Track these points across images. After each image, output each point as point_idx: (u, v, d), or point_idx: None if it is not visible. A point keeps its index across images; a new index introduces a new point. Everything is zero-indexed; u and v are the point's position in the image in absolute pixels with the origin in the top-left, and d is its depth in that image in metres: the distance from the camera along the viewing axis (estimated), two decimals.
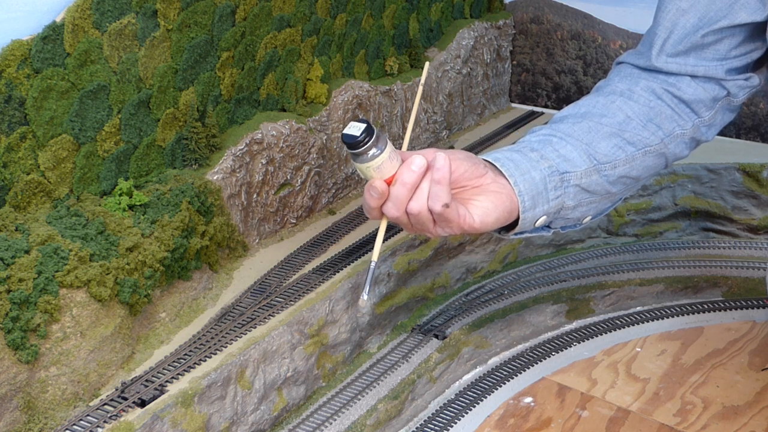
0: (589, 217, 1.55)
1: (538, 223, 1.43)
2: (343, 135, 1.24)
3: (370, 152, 1.23)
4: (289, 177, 2.68)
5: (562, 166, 1.43)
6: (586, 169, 1.46)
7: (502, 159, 1.39)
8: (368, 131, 1.22)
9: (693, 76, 1.61)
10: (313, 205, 2.84)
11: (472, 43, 3.70)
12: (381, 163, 1.24)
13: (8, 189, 1.93)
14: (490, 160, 1.39)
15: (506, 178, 1.36)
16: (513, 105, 4.15)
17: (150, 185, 2.24)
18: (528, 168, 1.39)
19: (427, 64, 1.36)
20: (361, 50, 3.12)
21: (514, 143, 1.51)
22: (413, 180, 1.24)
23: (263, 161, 2.56)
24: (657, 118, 1.57)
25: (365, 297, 1.33)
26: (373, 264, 1.32)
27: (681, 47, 1.60)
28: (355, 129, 1.23)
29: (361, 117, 1.25)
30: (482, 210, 1.32)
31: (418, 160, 1.24)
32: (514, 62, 4.08)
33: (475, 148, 3.53)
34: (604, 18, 3.78)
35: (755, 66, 1.65)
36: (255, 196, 2.56)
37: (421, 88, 1.36)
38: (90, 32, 2.03)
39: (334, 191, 2.95)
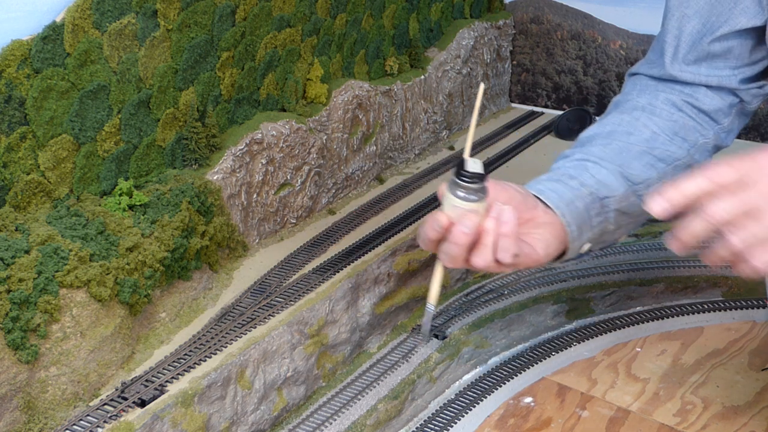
0: (624, 236, 1.59)
1: (583, 250, 1.45)
2: (463, 163, 1.20)
3: (475, 195, 1.20)
4: (289, 177, 2.68)
5: (601, 192, 1.46)
6: (623, 193, 1.49)
7: (546, 191, 1.41)
8: (485, 174, 1.20)
9: (708, 86, 1.63)
10: (313, 205, 2.84)
11: (472, 43, 3.70)
12: (470, 210, 1.21)
13: (8, 189, 1.93)
14: (534, 193, 1.40)
15: (552, 209, 1.38)
16: (513, 105, 4.15)
17: (150, 185, 2.24)
18: (572, 198, 1.41)
19: (482, 86, 1.30)
20: (361, 50, 3.12)
21: (549, 171, 1.53)
22: (463, 242, 1.21)
23: (263, 161, 2.56)
24: (682, 131, 1.60)
25: (425, 338, 1.34)
26: (431, 309, 1.31)
27: (691, 56, 1.62)
28: (478, 165, 1.20)
29: (470, 157, 1.22)
30: (544, 243, 1.33)
31: (469, 222, 1.20)
32: (514, 62, 4.08)
33: (475, 148, 3.54)
34: (604, 18, 3.78)
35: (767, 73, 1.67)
36: (255, 196, 2.56)
37: (476, 113, 1.28)
38: (90, 32, 2.03)
39: (334, 191, 2.95)
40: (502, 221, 1.22)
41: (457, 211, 1.21)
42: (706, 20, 1.57)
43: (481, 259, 1.23)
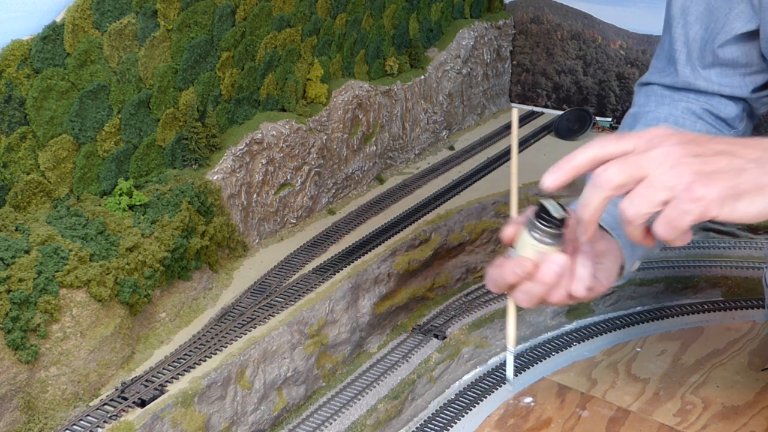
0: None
1: (633, 268, 1.47)
2: (546, 206, 1.21)
3: (555, 239, 1.22)
4: (289, 177, 2.68)
5: None
6: None
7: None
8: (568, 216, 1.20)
9: (721, 95, 1.64)
10: (313, 205, 2.84)
11: (472, 43, 3.70)
12: (547, 252, 1.22)
13: (8, 189, 1.93)
14: None
15: (608, 231, 1.39)
16: (513, 105, 4.15)
17: (150, 185, 2.24)
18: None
19: (515, 110, 1.32)
20: (361, 50, 3.12)
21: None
22: (552, 280, 1.23)
23: (263, 161, 2.56)
24: None
25: (510, 382, 1.37)
26: (510, 351, 1.34)
27: (704, 59, 1.64)
28: (560, 209, 1.21)
29: (547, 199, 1.24)
30: (607, 273, 1.35)
31: (559, 259, 1.22)
32: (514, 62, 4.08)
33: (475, 148, 3.54)
34: (604, 18, 3.78)
35: None
36: (255, 196, 2.56)
37: (515, 140, 1.31)
38: (90, 32, 2.03)
39: (334, 191, 2.95)
40: (579, 261, 1.25)
41: (539, 254, 1.23)
42: (707, 27, 1.59)
43: (558, 295, 1.25)
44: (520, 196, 3.03)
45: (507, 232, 1.26)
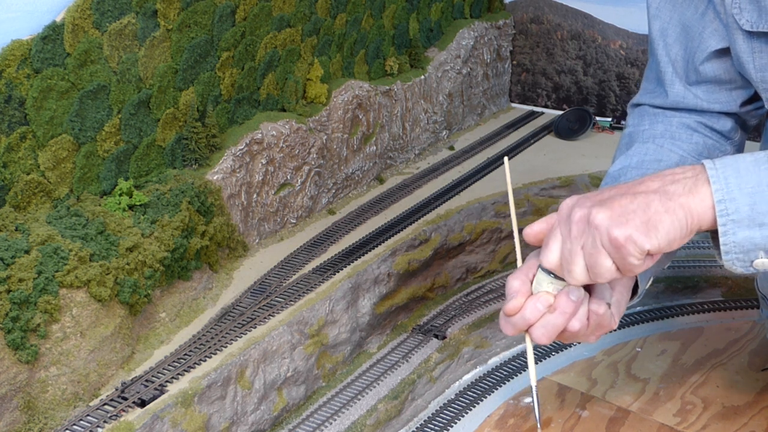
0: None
1: (647, 286, 1.50)
2: None
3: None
4: (289, 177, 2.68)
5: None
6: None
7: None
8: None
9: (712, 112, 1.66)
10: (313, 205, 2.84)
11: (472, 43, 3.70)
12: (561, 289, 1.30)
13: (8, 189, 1.93)
14: None
15: None
16: (513, 105, 4.15)
17: (150, 185, 2.24)
18: None
19: (506, 160, 1.40)
20: (361, 50, 3.12)
21: None
22: (572, 309, 1.29)
23: (263, 161, 2.56)
24: (705, 151, 1.65)
25: (539, 425, 1.43)
26: (534, 389, 1.41)
27: (689, 76, 1.66)
28: None
29: None
30: (618, 306, 1.38)
31: (576, 291, 1.29)
32: (514, 62, 4.08)
33: (476, 148, 3.54)
34: (604, 18, 3.78)
35: None
36: (255, 196, 2.56)
37: (510, 190, 1.38)
38: (90, 32, 2.03)
39: (334, 191, 2.95)
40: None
41: (556, 289, 1.31)
42: (686, 46, 1.63)
43: (578, 322, 1.32)
44: (520, 195, 3.03)
45: (513, 280, 1.34)
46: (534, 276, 1.33)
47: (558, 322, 1.30)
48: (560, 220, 1.23)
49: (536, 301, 1.30)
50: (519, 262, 1.39)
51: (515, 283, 1.33)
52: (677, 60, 1.65)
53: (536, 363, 2.41)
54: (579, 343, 2.54)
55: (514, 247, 1.41)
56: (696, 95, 1.66)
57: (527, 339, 1.37)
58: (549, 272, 1.30)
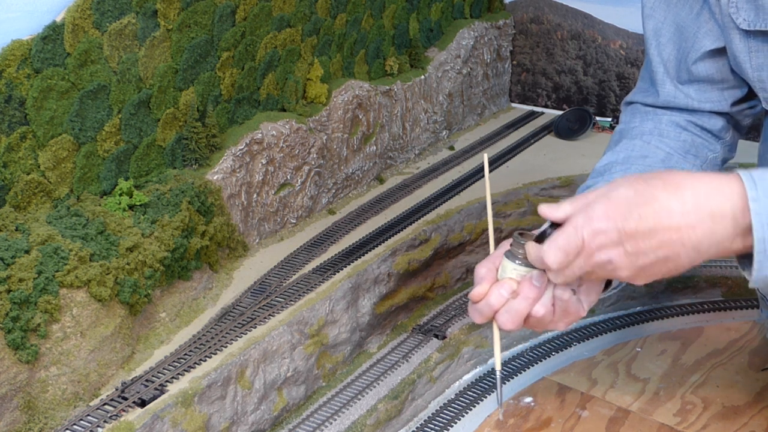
0: None
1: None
2: (521, 241, 1.34)
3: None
4: (289, 177, 2.68)
5: None
6: None
7: None
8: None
9: (703, 111, 1.67)
10: (313, 205, 2.84)
11: (472, 43, 3.70)
12: (525, 275, 1.33)
13: (8, 189, 1.93)
14: None
15: None
16: (513, 105, 4.15)
17: (150, 185, 2.24)
18: None
19: (485, 155, 1.46)
20: (361, 50, 3.13)
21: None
22: (535, 295, 1.32)
23: (263, 161, 2.56)
24: (692, 149, 1.65)
25: (500, 412, 1.47)
26: (498, 374, 1.46)
27: (681, 76, 1.67)
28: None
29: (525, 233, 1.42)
30: (588, 294, 1.41)
31: (539, 277, 1.32)
32: (514, 62, 4.08)
33: (475, 148, 3.54)
34: (604, 18, 3.78)
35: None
36: (255, 196, 2.56)
37: (488, 183, 1.45)
38: (90, 32, 2.03)
39: (334, 191, 2.95)
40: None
41: (520, 276, 1.34)
42: (679, 46, 1.64)
43: (542, 307, 1.34)
44: (520, 195, 3.04)
45: (481, 268, 1.37)
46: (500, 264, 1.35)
47: (521, 307, 1.32)
48: (584, 244, 1.23)
49: (500, 288, 1.33)
50: (492, 251, 1.41)
51: (481, 270, 1.36)
52: (669, 60, 1.65)
53: (538, 362, 2.41)
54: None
55: (488, 237, 1.44)
56: (687, 94, 1.67)
57: (494, 326, 1.39)
58: (514, 259, 1.33)
